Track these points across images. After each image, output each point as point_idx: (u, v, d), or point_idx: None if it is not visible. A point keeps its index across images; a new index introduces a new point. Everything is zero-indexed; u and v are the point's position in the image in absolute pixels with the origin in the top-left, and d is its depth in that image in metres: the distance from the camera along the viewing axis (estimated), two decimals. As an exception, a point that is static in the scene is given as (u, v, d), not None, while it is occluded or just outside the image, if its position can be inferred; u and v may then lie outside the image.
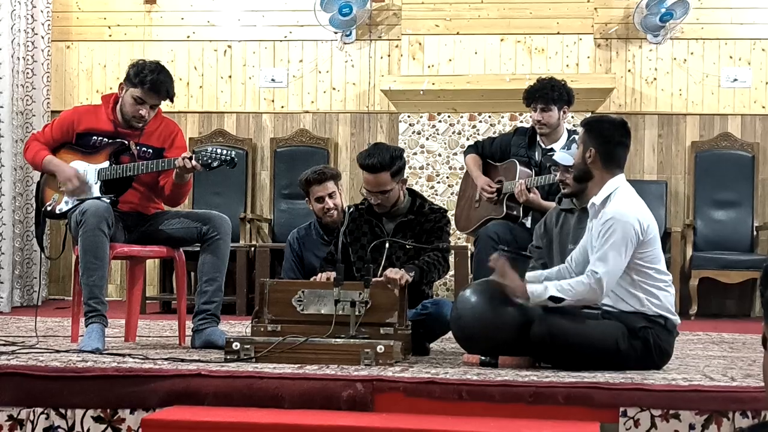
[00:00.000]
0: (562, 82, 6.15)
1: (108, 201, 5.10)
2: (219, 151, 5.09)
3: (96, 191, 5.17)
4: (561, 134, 6.09)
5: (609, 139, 4.57)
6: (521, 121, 6.23)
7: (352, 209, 5.18)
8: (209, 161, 5.08)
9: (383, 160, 5.01)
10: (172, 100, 5.28)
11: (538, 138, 6.14)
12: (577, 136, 5.25)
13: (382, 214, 5.14)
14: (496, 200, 6.18)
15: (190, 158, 5.02)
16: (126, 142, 5.21)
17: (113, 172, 5.16)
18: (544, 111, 6.02)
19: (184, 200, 5.34)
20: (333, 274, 4.81)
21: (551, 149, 6.00)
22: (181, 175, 5.09)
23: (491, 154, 6.35)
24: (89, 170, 5.19)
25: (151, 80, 5.12)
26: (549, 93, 6.02)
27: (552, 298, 4.33)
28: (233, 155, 5.10)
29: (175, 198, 5.29)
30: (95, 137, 5.23)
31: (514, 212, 6.06)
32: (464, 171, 6.70)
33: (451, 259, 7.19)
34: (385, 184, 5.03)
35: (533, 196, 5.88)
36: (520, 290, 4.41)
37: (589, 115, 7.96)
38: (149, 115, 5.20)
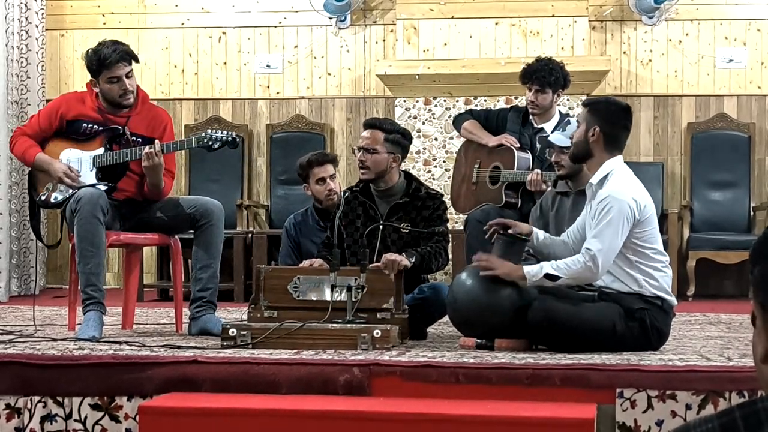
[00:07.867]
0: (561, 65, 6.13)
1: (104, 188, 5.10)
2: (219, 133, 5.15)
3: (92, 178, 5.17)
4: (553, 115, 6.10)
5: (615, 121, 4.55)
6: (517, 105, 6.23)
7: (347, 193, 5.19)
8: (209, 143, 5.10)
9: (382, 121, 5.25)
10: (137, 60, 5.29)
11: (531, 117, 6.15)
12: (571, 118, 5.24)
13: (376, 195, 5.13)
14: (494, 188, 6.15)
15: (156, 153, 5.03)
16: (120, 128, 5.20)
17: (109, 158, 5.15)
18: (538, 93, 6.01)
19: (161, 197, 5.29)
20: (316, 261, 4.89)
21: (542, 129, 6.03)
22: (150, 169, 5.07)
23: (486, 126, 6.30)
24: (84, 158, 5.18)
25: (111, 54, 5.13)
26: (546, 76, 6.00)
27: (547, 276, 4.33)
28: (234, 136, 5.17)
29: (152, 195, 5.25)
30: (85, 124, 5.22)
31: (513, 200, 6.06)
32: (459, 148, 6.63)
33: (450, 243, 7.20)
34: (374, 143, 5.06)
35: (545, 187, 5.84)
36: (515, 274, 4.41)
37: (584, 97, 7.98)
38: (131, 85, 5.18)
